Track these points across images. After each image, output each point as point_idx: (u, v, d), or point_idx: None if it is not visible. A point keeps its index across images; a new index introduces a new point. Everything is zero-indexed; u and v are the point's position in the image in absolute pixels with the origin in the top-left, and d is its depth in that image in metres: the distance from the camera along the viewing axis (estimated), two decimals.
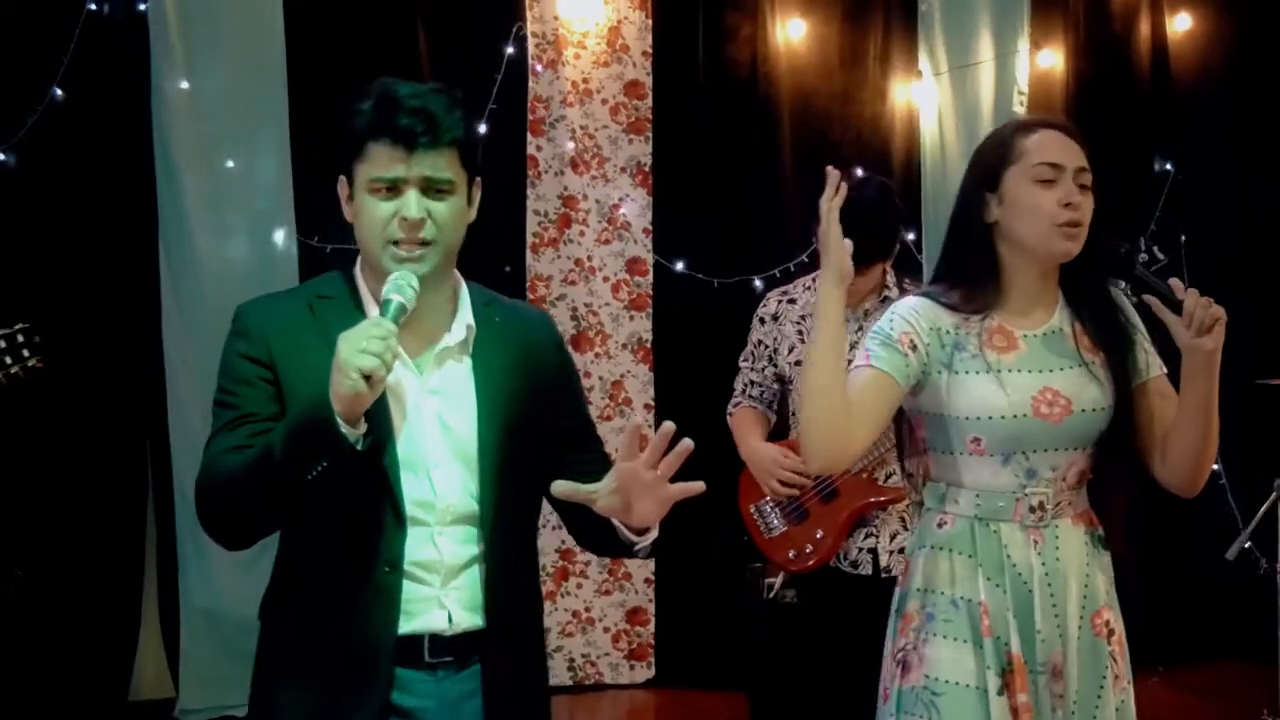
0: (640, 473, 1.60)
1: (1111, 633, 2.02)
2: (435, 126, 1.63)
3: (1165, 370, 2.01)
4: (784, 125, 5.02)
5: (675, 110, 4.96)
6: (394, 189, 1.64)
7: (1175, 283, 1.91)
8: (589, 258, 4.79)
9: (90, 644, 4.49)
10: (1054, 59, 5.25)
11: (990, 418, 1.94)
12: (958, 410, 1.97)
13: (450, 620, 1.69)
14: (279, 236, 4.61)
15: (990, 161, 2.01)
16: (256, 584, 1.80)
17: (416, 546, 1.68)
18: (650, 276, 4.87)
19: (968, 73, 5.22)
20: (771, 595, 3.76)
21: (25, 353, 3.06)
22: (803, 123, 5.02)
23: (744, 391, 3.23)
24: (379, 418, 1.62)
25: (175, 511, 4.29)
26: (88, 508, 4.45)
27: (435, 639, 1.69)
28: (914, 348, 1.98)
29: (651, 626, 4.74)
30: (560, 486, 1.64)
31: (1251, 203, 5.04)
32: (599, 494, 1.63)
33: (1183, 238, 4.14)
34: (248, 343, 1.69)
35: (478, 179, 1.76)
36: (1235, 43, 5.31)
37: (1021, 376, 1.95)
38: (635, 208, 4.89)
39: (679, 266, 4.89)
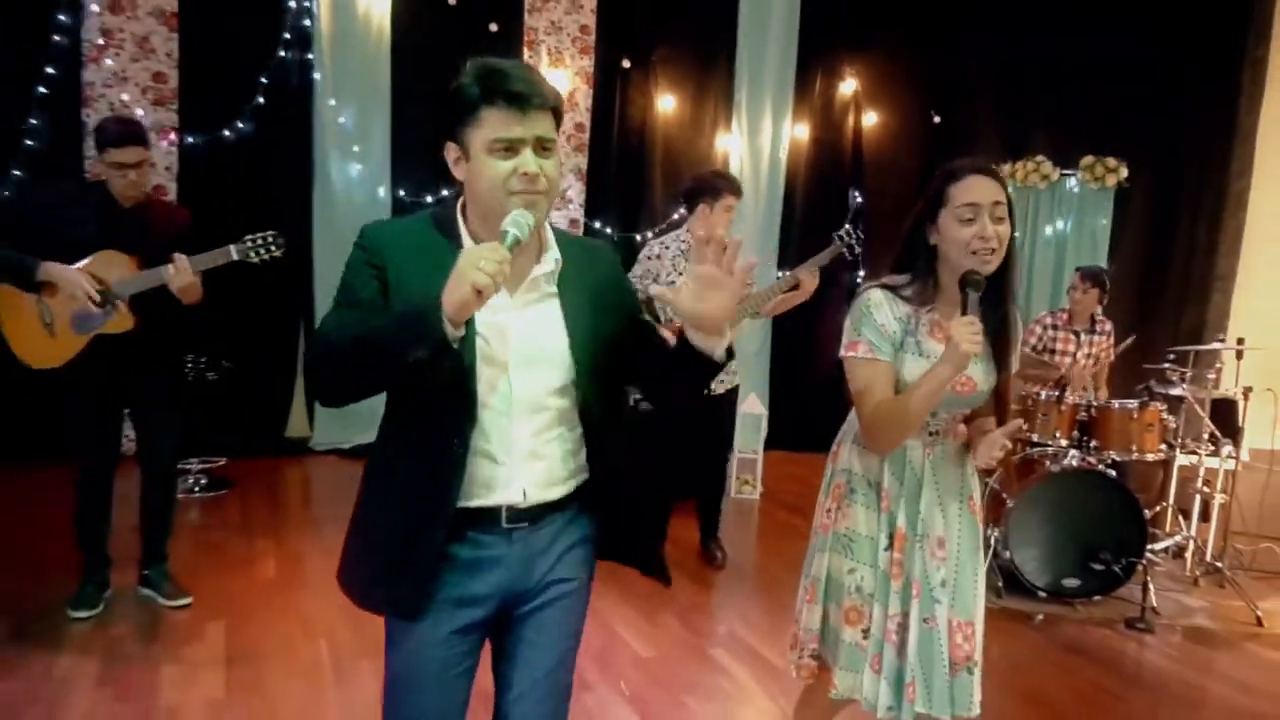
0: (714, 274, 1.64)
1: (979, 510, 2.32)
2: (542, 92, 1.68)
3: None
4: (657, 156, 7.39)
5: (601, 139, 7.28)
6: (511, 148, 1.67)
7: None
8: (549, 221, 7.14)
9: (262, 403, 6.66)
10: (804, 130, 7.66)
11: None
12: (902, 378, 2.19)
13: (525, 495, 1.79)
14: (381, 190, 6.84)
15: (930, 202, 2.21)
16: None
17: (493, 432, 1.75)
18: (581, 230, 7.10)
19: (757, 134, 7.54)
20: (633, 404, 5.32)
21: (274, 248, 3.61)
22: (667, 156, 7.42)
23: None
24: (469, 325, 1.68)
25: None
26: (265, 333, 6.52)
27: (511, 510, 1.80)
28: (892, 335, 2.20)
29: None
30: (655, 289, 1.66)
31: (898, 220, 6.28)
32: (681, 295, 1.66)
33: (860, 235, 5.09)
34: (366, 250, 1.76)
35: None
36: (902, 128, 7.76)
37: None
38: (576, 191, 7.26)
39: (597, 224, 7.26)
